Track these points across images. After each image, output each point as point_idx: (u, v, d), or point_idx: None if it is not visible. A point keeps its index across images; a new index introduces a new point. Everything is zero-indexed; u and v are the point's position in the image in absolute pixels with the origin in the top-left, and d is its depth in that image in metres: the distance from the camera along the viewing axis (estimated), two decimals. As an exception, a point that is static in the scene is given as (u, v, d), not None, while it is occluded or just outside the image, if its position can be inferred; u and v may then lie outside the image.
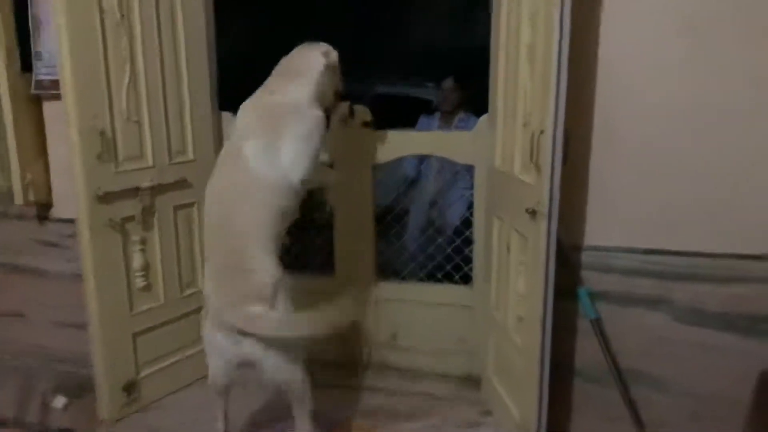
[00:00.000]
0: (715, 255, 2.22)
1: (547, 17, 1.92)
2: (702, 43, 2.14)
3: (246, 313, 1.97)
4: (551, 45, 1.89)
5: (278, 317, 2.02)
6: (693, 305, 2.27)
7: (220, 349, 2.07)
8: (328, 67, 2.26)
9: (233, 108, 2.91)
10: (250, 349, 2.00)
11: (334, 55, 2.30)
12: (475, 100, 6.34)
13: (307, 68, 2.23)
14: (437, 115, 4.03)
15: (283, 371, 2.05)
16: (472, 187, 2.79)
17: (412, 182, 3.95)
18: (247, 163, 2.06)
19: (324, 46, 2.30)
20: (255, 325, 1.97)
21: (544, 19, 1.97)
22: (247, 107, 2.23)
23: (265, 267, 2.04)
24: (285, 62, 2.30)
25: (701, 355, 2.29)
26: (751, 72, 2.12)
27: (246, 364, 2.05)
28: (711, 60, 2.15)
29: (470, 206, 2.84)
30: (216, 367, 2.13)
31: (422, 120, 4.06)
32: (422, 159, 3.82)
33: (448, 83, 3.94)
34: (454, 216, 3.55)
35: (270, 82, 2.26)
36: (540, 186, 2.00)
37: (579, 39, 2.03)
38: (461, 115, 3.89)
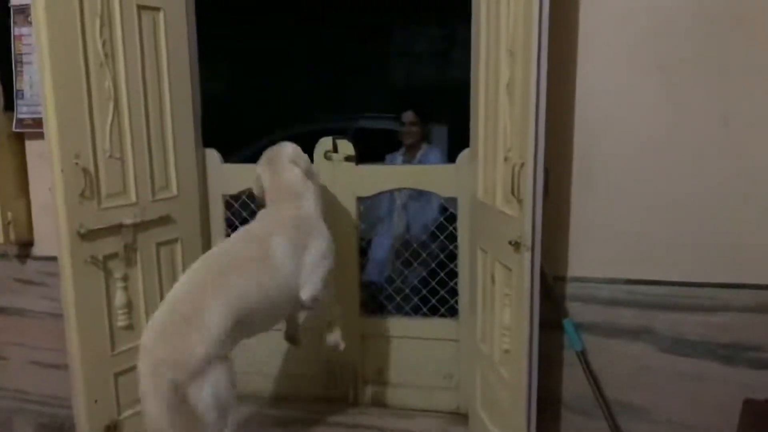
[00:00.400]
0: (696, 284, 2.25)
1: (525, 54, 1.97)
2: (674, 82, 2.22)
3: (156, 379, 1.91)
4: (529, 82, 1.93)
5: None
6: (675, 335, 2.30)
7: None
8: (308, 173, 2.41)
9: (216, 145, 2.97)
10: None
11: (305, 160, 2.44)
12: (439, 132, 6.52)
13: (302, 188, 2.37)
14: (401, 150, 3.96)
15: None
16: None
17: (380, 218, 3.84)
18: (269, 251, 2.15)
19: (293, 153, 2.43)
20: (152, 399, 1.92)
21: (522, 56, 2.02)
22: (262, 216, 2.34)
23: (209, 334, 1.94)
24: (275, 182, 2.39)
25: (685, 385, 2.30)
26: (721, 111, 2.19)
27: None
28: (682, 99, 2.22)
29: (443, 210, 2.92)
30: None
31: (388, 158, 4.00)
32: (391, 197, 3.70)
33: (408, 116, 3.86)
34: (425, 217, 3.51)
35: (275, 201, 2.37)
36: (522, 218, 2.02)
37: (557, 76, 2.09)
38: (423, 149, 3.85)
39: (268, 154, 2.47)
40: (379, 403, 2.98)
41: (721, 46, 2.16)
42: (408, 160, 3.86)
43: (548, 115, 1.93)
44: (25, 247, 2.91)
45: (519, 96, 2.06)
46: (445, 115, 6.40)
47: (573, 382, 2.42)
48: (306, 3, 7.51)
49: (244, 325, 2.06)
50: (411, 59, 9.16)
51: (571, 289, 2.40)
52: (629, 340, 2.35)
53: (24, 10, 2.63)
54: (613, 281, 2.35)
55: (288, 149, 2.45)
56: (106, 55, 2.42)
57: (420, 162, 3.77)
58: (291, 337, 2.56)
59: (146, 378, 1.94)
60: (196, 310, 1.97)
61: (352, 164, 2.82)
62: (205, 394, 1.92)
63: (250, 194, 2.62)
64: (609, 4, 2.25)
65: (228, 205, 3.02)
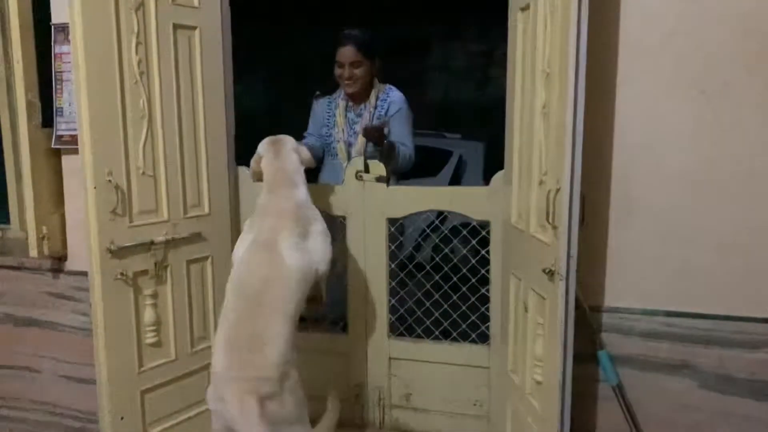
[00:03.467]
0: (741, 318, 2.15)
1: (562, 77, 1.92)
2: (717, 107, 2.14)
3: (244, 399, 2.01)
4: (566, 105, 1.87)
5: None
6: (718, 371, 2.19)
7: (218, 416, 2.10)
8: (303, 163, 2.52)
9: (248, 160, 2.97)
10: None
11: (304, 151, 2.56)
12: (476, 148, 6.36)
13: (298, 178, 2.48)
14: (339, 94, 3.14)
15: None
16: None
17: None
18: (281, 254, 2.25)
19: (295, 143, 2.55)
20: (246, 418, 2.00)
21: (558, 78, 1.96)
22: (265, 210, 2.42)
23: (279, 343, 2.11)
24: (276, 164, 2.48)
25: (727, 424, 2.19)
26: (765, 136, 2.09)
27: None
28: (726, 124, 2.14)
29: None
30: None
31: (319, 105, 3.21)
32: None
33: (347, 54, 2.97)
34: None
35: (273, 189, 2.45)
36: (557, 246, 1.95)
37: (594, 100, 2.03)
38: (375, 95, 3.06)
39: (272, 138, 2.57)
40: (406, 428, 2.92)
41: (761, 68, 2.07)
42: (353, 112, 3.12)
43: (585, 140, 1.88)
44: (58, 262, 2.95)
45: (555, 119, 2.00)
46: (482, 131, 6.38)
47: (608, 418, 2.33)
48: (342, 17, 7.59)
49: (295, 321, 2.22)
50: (449, 75, 9.16)
51: (607, 319, 2.31)
52: (668, 375, 2.25)
53: (64, 29, 2.68)
54: (651, 313, 2.26)
55: (291, 139, 2.57)
56: (141, 73, 2.45)
57: (377, 119, 3.04)
58: (313, 297, 2.57)
59: (236, 404, 2.02)
60: (257, 331, 2.13)
61: (383, 185, 2.79)
62: (288, 399, 2.09)
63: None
64: (650, 27, 2.18)
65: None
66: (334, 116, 3.14)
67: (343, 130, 3.10)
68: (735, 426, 2.19)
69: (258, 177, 2.55)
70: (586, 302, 2.25)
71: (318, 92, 3.18)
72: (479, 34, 8.37)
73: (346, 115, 3.12)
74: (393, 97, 3.08)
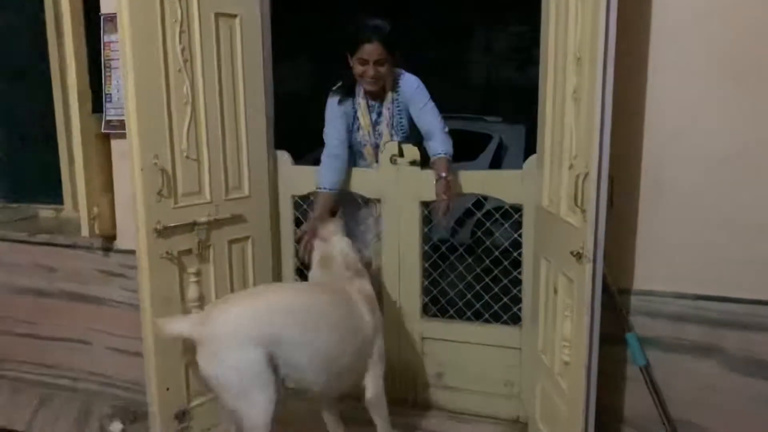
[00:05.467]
0: (770, 303, 2.14)
1: (592, 60, 1.94)
2: (749, 90, 2.13)
3: None
4: (595, 88, 1.90)
5: None
6: (746, 354, 2.20)
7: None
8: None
9: (287, 145, 3.06)
10: None
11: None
12: (518, 131, 6.21)
13: None
14: (355, 96, 2.91)
15: None
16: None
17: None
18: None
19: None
20: None
21: (588, 62, 1.98)
22: None
23: None
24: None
25: (755, 407, 2.20)
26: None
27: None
28: (758, 108, 2.12)
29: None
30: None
31: (332, 108, 2.92)
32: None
33: (372, 50, 2.70)
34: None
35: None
36: (585, 229, 1.99)
37: (625, 84, 2.05)
38: (394, 90, 2.86)
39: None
40: (438, 406, 2.99)
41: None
42: (375, 112, 2.93)
43: (615, 124, 1.89)
44: (108, 241, 3.09)
45: (585, 103, 2.02)
46: (524, 115, 6.31)
47: (635, 399, 2.36)
48: (382, 3, 7.61)
49: None
50: (491, 58, 9.10)
51: (635, 302, 2.33)
52: (696, 358, 2.26)
53: (113, 19, 2.79)
54: (680, 296, 2.27)
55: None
56: (185, 60, 2.55)
57: (389, 115, 2.89)
58: None
59: None
60: None
61: (417, 168, 2.84)
62: None
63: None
64: (682, 9, 2.17)
65: (297, 206, 3.10)
66: (357, 119, 2.94)
67: (369, 132, 2.95)
68: (761, 408, 2.19)
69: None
70: (615, 285, 2.28)
71: (335, 88, 2.93)
72: (522, 17, 8.28)
73: (369, 116, 2.93)
74: (406, 86, 2.85)
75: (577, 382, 2.08)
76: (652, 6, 2.20)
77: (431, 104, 2.84)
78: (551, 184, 2.40)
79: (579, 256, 2.02)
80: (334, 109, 2.91)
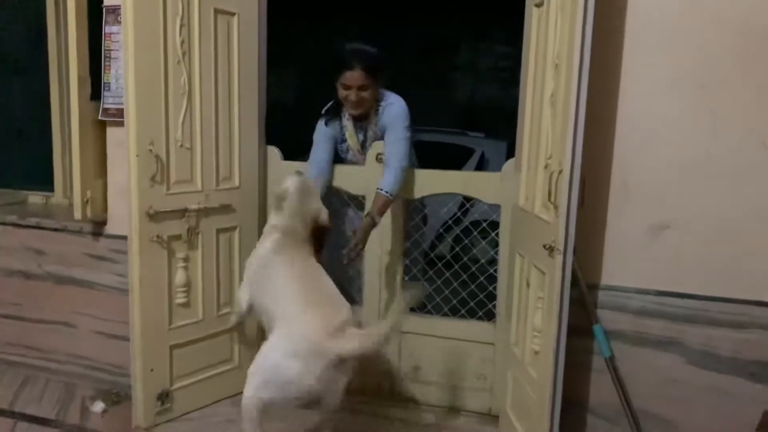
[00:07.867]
0: (727, 300, 2.29)
1: (568, 65, 2.08)
2: (714, 101, 2.29)
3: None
4: (570, 90, 2.04)
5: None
6: (704, 348, 2.34)
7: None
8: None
9: (277, 143, 3.16)
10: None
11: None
12: (499, 147, 6.43)
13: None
14: (341, 119, 2.99)
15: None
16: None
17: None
18: None
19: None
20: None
21: (565, 67, 2.13)
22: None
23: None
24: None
25: (712, 399, 2.33)
26: (760, 132, 2.24)
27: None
28: (722, 118, 2.28)
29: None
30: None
31: (321, 126, 3.00)
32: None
33: (355, 78, 2.76)
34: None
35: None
36: (557, 223, 2.12)
37: (599, 89, 2.21)
38: (377, 114, 2.91)
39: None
40: (412, 398, 3.08)
41: (764, 66, 2.21)
42: (361, 133, 3.00)
43: (588, 130, 2.03)
44: (99, 225, 3.15)
45: (560, 106, 2.16)
46: (506, 131, 6.46)
47: (600, 389, 2.48)
48: (373, 14, 7.77)
49: None
50: (474, 75, 9.28)
51: (603, 297, 2.47)
52: (658, 351, 2.40)
53: (114, 11, 2.90)
54: (644, 292, 2.41)
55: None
56: (183, 53, 2.66)
57: (374, 136, 2.96)
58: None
59: None
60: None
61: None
62: None
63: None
64: (652, 30, 2.33)
65: (284, 200, 3.18)
66: (345, 140, 3.03)
67: (358, 151, 3.04)
68: (718, 400, 2.33)
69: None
70: (584, 279, 2.40)
71: (324, 113, 3.02)
72: (506, 36, 8.48)
73: (357, 136, 3.01)
74: (388, 113, 2.89)
75: (546, 370, 2.19)
76: (625, 23, 2.36)
77: (404, 137, 2.84)
78: (527, 184, 2.53)
79: (551, 249, 2.14)
80: (321, 131, 3.01)
